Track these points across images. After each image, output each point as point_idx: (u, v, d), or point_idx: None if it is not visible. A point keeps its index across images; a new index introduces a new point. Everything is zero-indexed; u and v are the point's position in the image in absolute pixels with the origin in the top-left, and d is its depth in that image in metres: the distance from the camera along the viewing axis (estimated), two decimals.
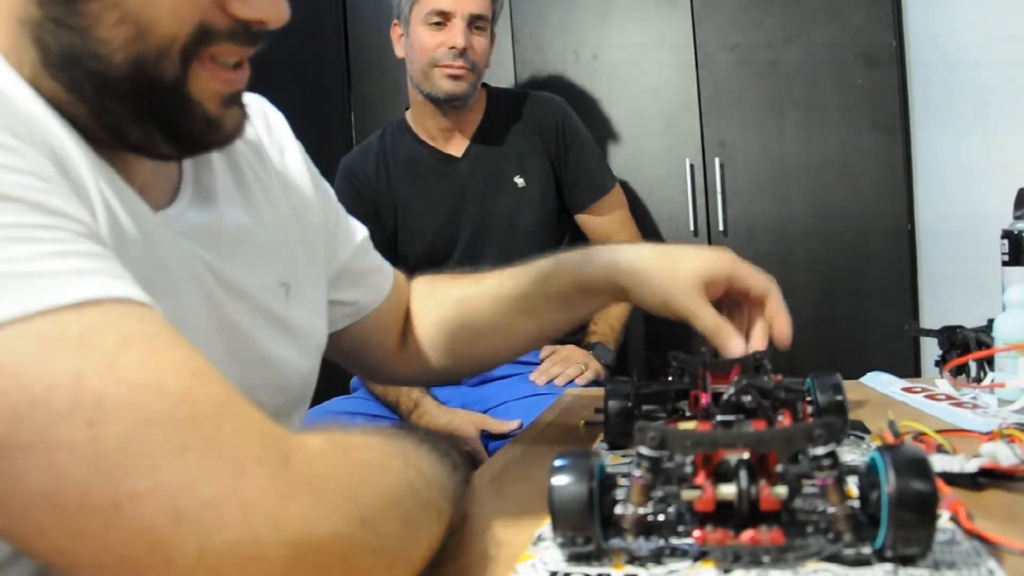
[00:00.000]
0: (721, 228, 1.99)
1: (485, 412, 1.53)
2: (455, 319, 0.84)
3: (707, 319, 0.72)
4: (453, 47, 1.60)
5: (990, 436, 0.60)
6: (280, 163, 0.71)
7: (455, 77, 1.62)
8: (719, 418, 0.50)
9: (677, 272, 0.73)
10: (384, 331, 0.84)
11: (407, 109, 1.79)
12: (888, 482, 0.39)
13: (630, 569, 0.44)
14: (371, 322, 0.82)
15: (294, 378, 0.67)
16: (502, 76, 2.02)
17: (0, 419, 0.33)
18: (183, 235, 0.56)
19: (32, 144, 0.41)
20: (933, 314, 1.89)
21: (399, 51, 1.73)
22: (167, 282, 0.51)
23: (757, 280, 0.75)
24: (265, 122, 0.72)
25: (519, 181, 1.73)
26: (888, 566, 0.41)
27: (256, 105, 0.72)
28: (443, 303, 0.86)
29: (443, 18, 1.61)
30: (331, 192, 0.79)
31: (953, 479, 0.54)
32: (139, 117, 0.50)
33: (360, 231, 0.83)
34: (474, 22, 1.63)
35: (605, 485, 0.45)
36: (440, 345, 0.85)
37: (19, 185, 0.38)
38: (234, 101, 0.55)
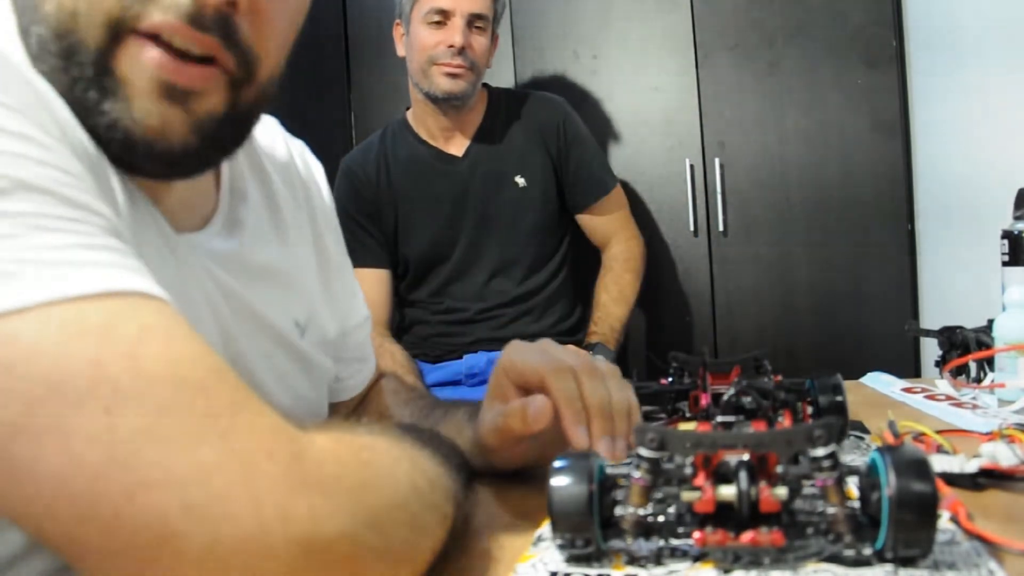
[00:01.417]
0: (721, 228, 1.99)
1: None
2: None
3: (495, 417, 0.60)
4: (452, 45, 1.60)
5: (990, 436, 0.60)
6: (313, 208, 0.72)
7: (453, 75, 1.62)
8: (719, 419, 0.50)
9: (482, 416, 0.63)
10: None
11: (408, 109, 1.80)
12: (888, 483, 0.39)
13: (630, 570, 0.44)
14: (343, 408, 0.78)
15: (300, 408, 0.67)
16: (502, 76, 2.02)
17: (17, 403, 0.33)
18: (207, 257, 0.56)
19: (64, 143, 0.42)
20: (933, 314, 1.89)
21: (400, 50, 1.73)
22: (179, 296, 0.51)
23: (529, 369, 0.59)
24: (305, 165, 0.73)
25: (520, 181, 1.73)
26: (888, 567, 0.41)
27: (295, 147, 0.73)
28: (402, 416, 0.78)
29: (442, 17, 1.62)
30: (347, 256, 0.78)
31: (953, 479, 0.54)
32: (80, 101, 0.45)
33: (363, 310, 0.79)
34: (474, 21, 1.63)
35: (605, 486, 0.45)
36: None
37: (48, 178, 0.38)
38: (176, 98, 0.46)
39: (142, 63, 0.45)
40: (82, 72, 0.45)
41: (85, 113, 0.45)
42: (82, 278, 0.36)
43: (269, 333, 0.62)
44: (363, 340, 0.79)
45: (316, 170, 0.75)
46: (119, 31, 0.44)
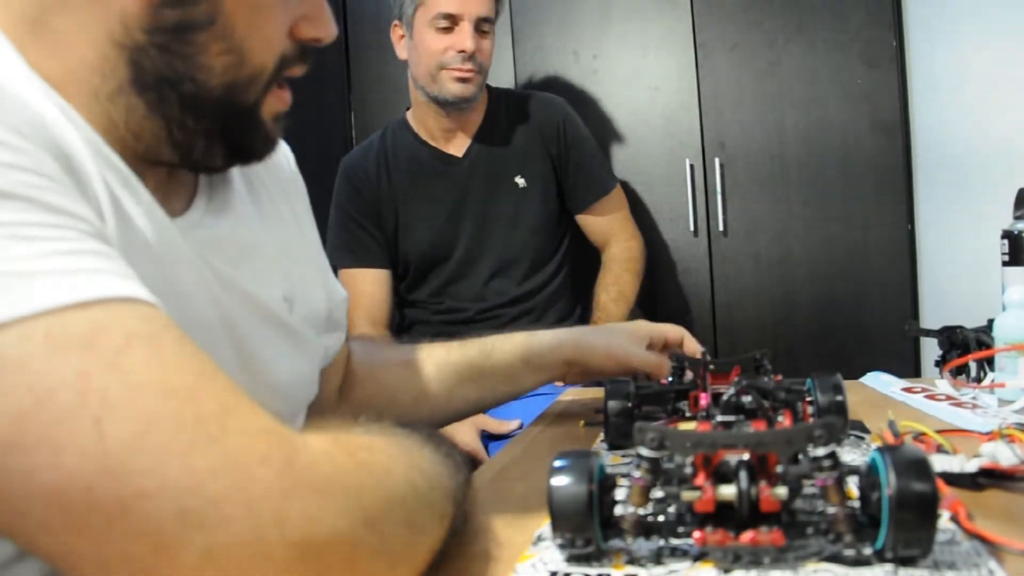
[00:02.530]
0: (721, 228, 1.99)
1: (485, 412, 1.53)
2: (397, 381, 0.87)
3: (650, 358, 0.88)
4: (463, 51, 1.60)
5: (990, 436, 0.60)
6: (288, 190, 0.72)
7: (464, 80, 1.62)
8: (719, 419, 0.50)
9: (615, 335, 0.92)
10: (327, 385, 0.82)
11: (408, 109, 1.79)
12: (889, 483, 0.39)
13: (630, 569, 0.44)
14: (330, 376, 0.80)
15: (297, 384, 0.68)
16: (502, 76, 2.02)
17: (6, 418, 0.33)
18: (195, 241, 0.56)
19: (38, 144, 0.41)
20: (933, 314, 1.89)
21: (400, 52, 1.73)
22: (177, 285, 0.51)
23: (671, 330, 0.94)
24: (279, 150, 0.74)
25: (520, 181, 1.73)
26: (888, 566, 0.41)
27: None
28: (388, 364, 0.88)
29: (451, 22, 1.61)
30: (316, 233, 0.79)
31: (953, 479, 0.54)
32: (212, 134, 0.54)
33: (342, 290, 0.82)
34: (480, 24, 1.63)
35: (605, 486, 0.45)
36: (380, 404, 0.85)
37: (23, 183, 0.38)
38: (279, 118, 0.59)
39: (272, 105, 0.57)
40: (238, 120, 0.56)
41: None
42: (65, 287, 0.36)
43: (261, 311, 0.62)
44: (341, 314, 0.81)
45: (285, 151, 0.75)
46: (269, 87, 0.56)
